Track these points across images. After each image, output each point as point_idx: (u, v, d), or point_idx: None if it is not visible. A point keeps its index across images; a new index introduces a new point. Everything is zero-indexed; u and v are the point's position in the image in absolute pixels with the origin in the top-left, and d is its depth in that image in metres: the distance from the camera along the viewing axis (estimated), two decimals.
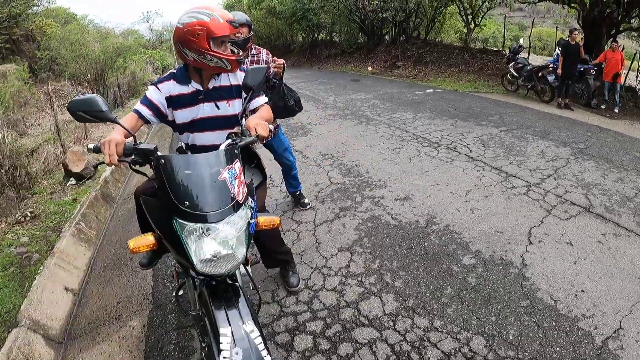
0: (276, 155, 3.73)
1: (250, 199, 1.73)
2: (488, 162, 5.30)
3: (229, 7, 30.49)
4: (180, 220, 1.49)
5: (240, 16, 3.06)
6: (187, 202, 1.49)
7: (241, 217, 1.57)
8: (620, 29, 11.11)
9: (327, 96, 11.23)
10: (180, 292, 2.12)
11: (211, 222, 1.48)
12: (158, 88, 2.02)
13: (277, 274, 3.04)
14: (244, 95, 2.05)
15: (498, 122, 7.45)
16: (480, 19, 17.19)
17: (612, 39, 10.64)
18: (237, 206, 1.56)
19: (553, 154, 5.60)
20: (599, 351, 2.33)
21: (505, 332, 2.46)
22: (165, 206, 1.54)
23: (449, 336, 2.45)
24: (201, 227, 1.48)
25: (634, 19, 11.10)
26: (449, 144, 6.14)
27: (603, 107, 9.30)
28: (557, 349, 2.35)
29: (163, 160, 1.56)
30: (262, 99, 2.25)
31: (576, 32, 8.42)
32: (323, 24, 24.54)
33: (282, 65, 3.33)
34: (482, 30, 20.07)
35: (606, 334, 2.46)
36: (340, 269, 3.16)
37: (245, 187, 1.68)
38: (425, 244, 3.45)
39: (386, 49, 19.39)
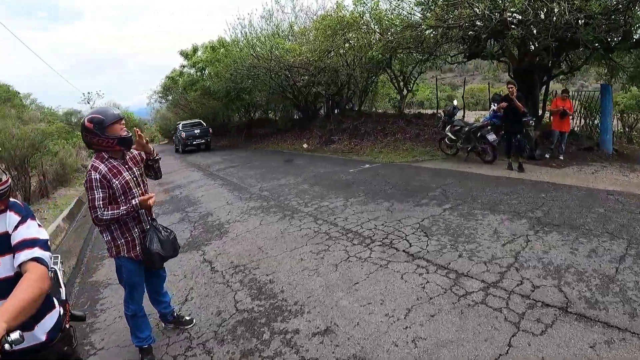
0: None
1: None
2: (432, 258, 4.84)
3: (165, 89, 35.80)
4: None
5: None
6: None
7: None
8: (552, 74, 12.45)
9: (254, 183, 11.17)
10: None
11: None
12: None
13: None
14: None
15: (440, 198, 7.25)
16: (412, 84, 19.22)
17: (545, 88, 11.65)
18: None
19: (509, 233, 5.32)
20: None
21: None
22: None
23: None
24: None
25: (563, 63, 12.46)
26: (384, 238, 5.71)
27: (547, 155, 9.92)
28: None
29: None
30: (33, 252, 1.75)
31: (511, 86, 8.81)
32: (258, 102, 27.03)
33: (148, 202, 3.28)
34: (416, 94, 22.77)
35: None
36: None
37: None
38: None
39: (321, 124, 20.91)
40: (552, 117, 10.53)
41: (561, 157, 9.73)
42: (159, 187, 12.41)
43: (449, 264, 4.65)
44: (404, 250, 5.19)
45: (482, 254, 4.81)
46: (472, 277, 4.29)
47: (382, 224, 6.30)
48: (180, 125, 26.79)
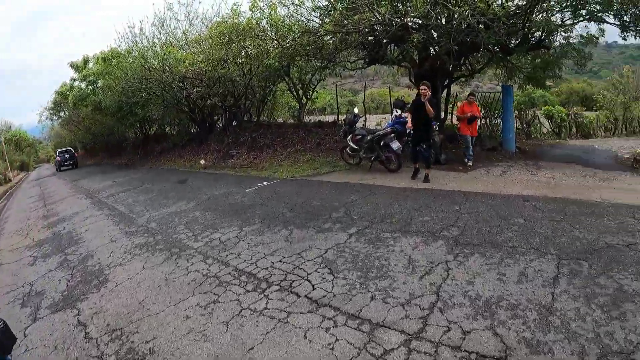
0: None
1: None
2: (340, 304, 4.03)
3: (56, 105, 37.09)
4: None
5: None
6: None
7: None
8: (453, 78, 12.78)
9: (143, 212, 10.09)
10: None
11: None
12: None
13: None
14: None
15: (345, 221, 6.54)
16: (311, 92, 18.99)
17: (447, 91, 11.76)
18: None
19: (425, 260, 4.70)
20: None
21: None
22: None
23: None
24: None
25: (463, 66, 12.84)
26: (282, 280, 4.82)
27: (470, 164, 9.78)
28: None
29: None
30: None
31: (424, 87, 8.26)
32: (153, 117, 26.33)
33: None
34: (316, 102, 22.27)
35: None
36: None
37: None
38: None
39: (219, 138, 20.23)
40: (460, 123, 10.43)
41: (470, 164, 9.66)
42: (43, 222, 11.42)
43: (361, 310, 3.84)
44: (306, 296, 4.32)
45: (398, 292, 4.07)
46: (389, 328, 3.52)
47: (280, 260, 5.41)
48: (57, 152, 39.78)
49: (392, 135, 9.37)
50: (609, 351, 2.93)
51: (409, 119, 9.00)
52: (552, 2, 9.10)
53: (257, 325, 3.92)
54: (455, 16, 8.47)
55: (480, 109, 11.90)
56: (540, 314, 3.41)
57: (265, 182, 11.14)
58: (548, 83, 14.41)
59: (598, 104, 23.76)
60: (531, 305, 3.54)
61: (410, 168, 9.09)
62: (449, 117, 13.60)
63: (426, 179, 8.46)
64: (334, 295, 4.21)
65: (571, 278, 3.89)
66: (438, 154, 9.83)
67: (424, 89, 8.10)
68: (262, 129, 18.28)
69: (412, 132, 8.86)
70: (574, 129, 19.58)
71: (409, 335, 3.38)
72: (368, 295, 4.10)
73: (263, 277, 5.00)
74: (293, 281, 4.73)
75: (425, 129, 8.41)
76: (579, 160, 9.55)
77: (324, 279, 4.63)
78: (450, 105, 13.63)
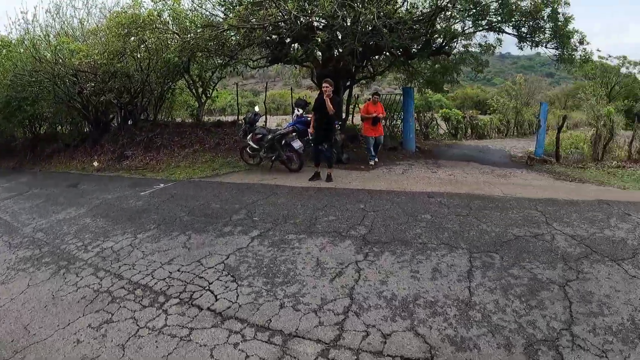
0: None
1: None
2: (247, 316, 3.69)
3: None
4: None
5: None
6: None
7: None
8: (355, 79, 13.01)
9: (29, 220, 8.78)
10: None
11: None
12: None
13: None
14: None
15: (246, 223, 6.16)
16: (211, 90, 18.46)
17: (349, 92, 11.89)
18: None
19: (334, 262, 4.51)
20: None
21: None
22: None
23: None
24: None
25: (366, 68, 13.12)
26: (181, 292, 4.32)
27: (372, 163, 9.87)
28: None
29: None
30: None
31: (326, 85, 8.05)
32: (44, 114, 23.47)
33: None
34: (216, 101, 21.82)
35: None
36: None
37: None
38: None
39: (113, 138, 18.73)
40: (363, 123, 10.46)
41: (372, 163, 9.80)
42: None
43: (270, 321, 3.50)
44: (209, 309, 3.86)
45: (308, 298, 3.78)
46: (304, 338, 3.22)
47: (178, 270, 4.86)
48: None
49: (294, 134, 9.18)
50: (534, 340, 2.91)
51: (310, 119, 8.84)
52: (455, 12, 9.54)
53: (157, 347, 3.41)
54: (361, 18, 8.49)
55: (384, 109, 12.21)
56: (459, 309, 3.33)
57: (162, 185, 10.38)
58: (445, 88, 15.39)
59: (492, 108, 25.99)
60: (449, 301, 3.46)
61: (311, 168, 8.90)
62: (351, 117, 13.83)
63: (329, 179, 8.33)
64: (240, 306, 3.81)
65: (485, 271, 3.89)
66: (340, 154, 9.80)
67: (326, 86, 7.98)
68: (160, 129, 17.42)
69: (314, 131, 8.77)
70: (469, 130, 21.30)
71: (326, 344, 3.10)
72: (277, 303, 3.76)
73: (160, 289, 4.44)
74: (194, 292, 4.24)
75: (327, 128, 8.30)
76: (476, 159, 10.09)
77: (227, 288, 4.20)
78: (351, 106, 13.86)
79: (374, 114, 9.99)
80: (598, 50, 25.16)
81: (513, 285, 3.61)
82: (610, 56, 29.90)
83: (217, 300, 3.99)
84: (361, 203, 6.49)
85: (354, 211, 6.13)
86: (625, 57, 30.53)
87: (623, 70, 31.39)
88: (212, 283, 4.36)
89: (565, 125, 14.04)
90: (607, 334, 3.05)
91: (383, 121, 12.76)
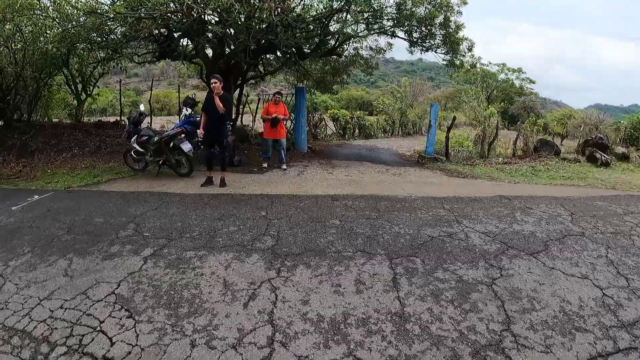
0: None
1: None
2: None
3: None
4: None
5: None
6: None
7: None
8: (247, 78, 12.91)
9: None
10: None
11: None
12: None
13: None
14: None
15: (136, 241, 5.48)
16: (92, 88, 17.20)
17: (240, 91, 12.19)
18: None
19: (245, 282, 4.15)
20: None
21: None
22: None
23: None
24: None
25: (258, 67, 13.05)
26: (68, 336, 3.63)
27: (266, 165, 9.59)
28: None
29: None
30: None
31: (215, 81, 7.46)
32: None
33: None
34: (97, 100, 20.25)
35: None
36: None
37: None
38: None
39: None
40: (264, 124, 9.96)
41: (265, 165, 9.48)
42: None
43: None
44: (104, 357, 3.22)
45: (223, 330, 3.32)
46: None
47: (62, 306, 4.04)
48: None
49: (183, 135, 8.51)
50: (479, 346, 2.81)
51: (200, 119, 8.22)
52: (349, 15, 9.48)
53: None
54: (257, 14, 8.18)
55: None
56: (395, 324, 3.14)
57: (37, 196, 8.93)
58: (334, 88, 15.75)
59: (377, 109, 27.17)
60: (382, 316, 3.25)
61: (202, 172, 8.34)
62: (240, 117, 13.56)
63: (222, 183, 7.82)
64: (142, 350, 3.21)
65: (410, 277, 3.75)
66: (232, 156, 9.36)
67: (215, 82, 7.43)
68: (35, 130, 15.43)
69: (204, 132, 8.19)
70: (357, 130, 22.11)
71: None
72: (186, 342, 3.24)
73: (42, 335, 3.62)
74: (83, 336, 3.50)
75: (218, 128, 7.75)
76: (368, 158, 10.26)
77: (123, 326, 3.55)
78: (241, 107, 13.57)
79: (274, 115, 9.52)
80: (480, 57, 28.33)
81: (442, 290, 3.51)
82: (490, 63, 33.59)
83: (112, 344, 3.33)
84: (262, 210, 6.09)
85: (256, 220, 5.71)
86: (504, 64, 34.54)
87: (502, 76, 35.38)
88: (103, 322, 3.66)
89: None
90: (545, 329, 3.08)
91: (288, 123, 12.59)
